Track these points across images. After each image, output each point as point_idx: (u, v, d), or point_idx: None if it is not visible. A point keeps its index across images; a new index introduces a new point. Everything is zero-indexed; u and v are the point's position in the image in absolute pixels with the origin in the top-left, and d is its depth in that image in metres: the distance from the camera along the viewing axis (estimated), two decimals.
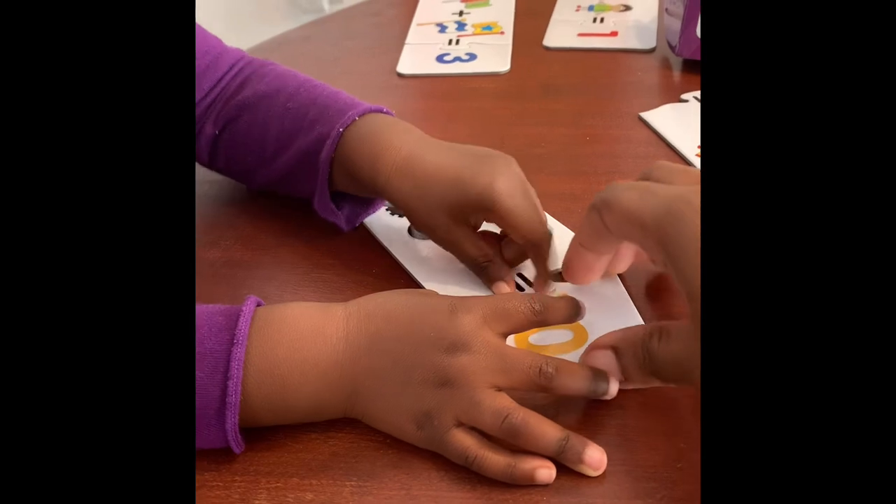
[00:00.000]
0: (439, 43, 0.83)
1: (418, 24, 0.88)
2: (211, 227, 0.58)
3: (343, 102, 0.54)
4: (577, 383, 0.38)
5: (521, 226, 0.47)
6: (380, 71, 0.80)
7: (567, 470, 0.37)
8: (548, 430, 0.37)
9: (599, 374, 0.39)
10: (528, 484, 0.37)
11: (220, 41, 0.61)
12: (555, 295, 0.47)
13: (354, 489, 0.38)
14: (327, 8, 2.12)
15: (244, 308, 0.39)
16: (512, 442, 0.37)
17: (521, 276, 0.50)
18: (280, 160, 0.55)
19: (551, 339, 0.45)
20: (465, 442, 0.38)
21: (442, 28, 0.87)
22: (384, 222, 0.56)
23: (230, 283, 0.53)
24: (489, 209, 0.47)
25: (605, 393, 0.39)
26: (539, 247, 0.47)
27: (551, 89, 0.74)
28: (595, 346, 0.40)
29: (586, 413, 0.40)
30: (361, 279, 0.52)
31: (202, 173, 0.64)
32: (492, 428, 0.37)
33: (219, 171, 0.61)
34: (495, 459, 0.37)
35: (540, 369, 0.38)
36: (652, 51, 0.79)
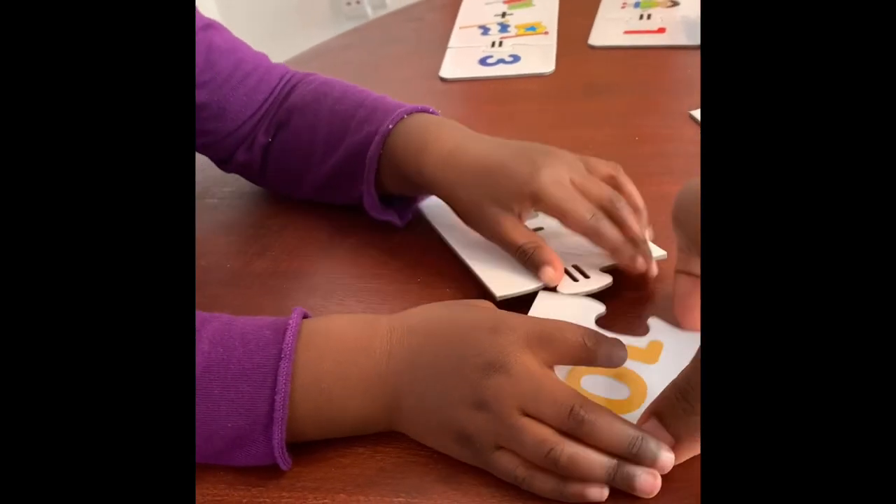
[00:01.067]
0: (482, 45, 0.82)
1: (461, 27, 0.87)
2: (257, 238, 0.58)
3: (390, 104, 0.54)
4: (611, 439, 0.35)
5: (568, 214, 0.46)
6: (422, 76, 0.80)
7: None
8: (595, 461, 0.35)
9: (646, 438, 0.35)
10: (581, 502, 0.36)
11: (266, 57, 0.61)
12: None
13: None
14: (371, 14, 2.13)
15: (290, 322, 0.39)
16: (558, 472, 0.36)
17: (576, 267, 0.49)
18: (329, 161, 0.55)
19: (604, 391, 0.40)
20: (511, 463, 0.36)
21: (485, 30, 0.85)
22: (437, 204, 0.55)
23: (277, 294, 0.53)
24: (536, 199, 0.46)
25: (653, 458, 0.35)
26: (595, 234, 0.46)
27: (597, 89, 0.73)
28: (640, 421, 0.36)
29: None
30: (406, 288, 0.51)
31: (249, 183, 0.64)
32: (534, 458, 0.36)
33: (269, 182, 0.61)
34: (544, 479, 0.36)
35: (571, 409, 0.35)
36: None
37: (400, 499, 0.37)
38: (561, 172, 0.47)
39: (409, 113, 0.53)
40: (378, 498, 0.38)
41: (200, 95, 0.56)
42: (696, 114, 0.65)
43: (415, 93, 0.77)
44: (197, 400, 0.37)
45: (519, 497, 0.37)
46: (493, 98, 0.75)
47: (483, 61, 0.79)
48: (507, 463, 0.36)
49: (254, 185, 0.63)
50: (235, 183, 0.64)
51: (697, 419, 0.34)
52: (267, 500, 0.38)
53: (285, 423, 0.37)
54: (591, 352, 0.37)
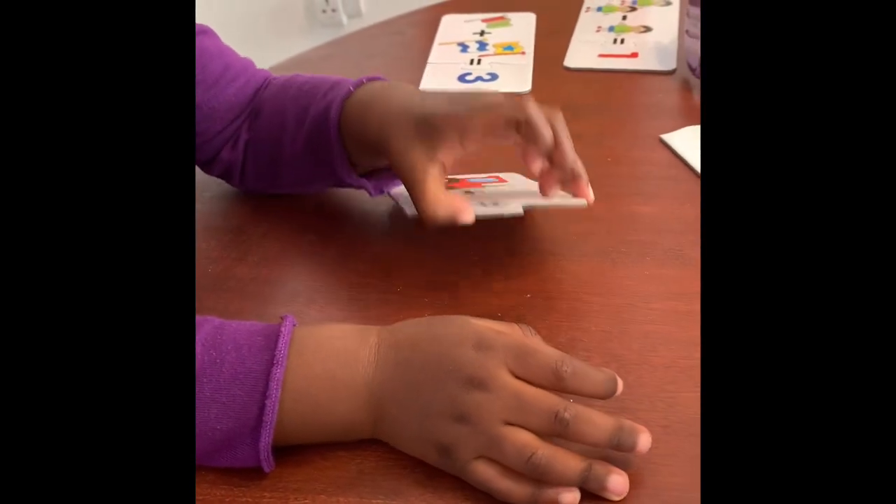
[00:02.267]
0: (461, 62, 0.84)
1: (440, 44, 0.89)
2: (239, 243, 0.59)
3: (353, 79, 0.57)
4: (596, 433, 0.37)
5: (501, 112, 0.48)
6: None
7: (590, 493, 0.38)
8: (571, 463, 0.37)
9: (624, 427, 0.38)
10: None
11: (252, 62, 0.63)
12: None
13: None
14: (346, 22, 2.14)
15: (283, 329, 0.40)
16: (536, 478, 0.37)
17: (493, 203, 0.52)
18: (300, 137, 0.57)
19: None
20: (487, 474, 0.38)
21: (463, 48, 0.87)
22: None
23: (257, 300, 0.54)
24: (464, 134, 0.48)
25: (633, 446, 0.37)
26: (524, 122, 0.48)
27: (572, 110, 0.74)
28: None
29: None
30: (387, 297, 0.52)
31: (230, 189, 0.65)
32: (516, 465, 0.37)
33: (250, 178, 0.62)
34: (518, 489, 0.37)
35: (556, 414, 0.37)
36: (672, 72, 0.79)
37: (378, 500, 0.39)
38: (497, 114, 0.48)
39: (371, 80, 0.55)
40: (357, 499, 0.39)
41: None
42: (667, 138, 0.67)
43: None
44: None
45: (494, 500, 0.38)
46: None
47: (462, 78, 0.81)
48: (483, 472, 0.38)
49: (235, 190, 0.64)
50: (217, 188, 0.65)
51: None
52: (249, 499, 0.39)
53: (273, 427, 0.38)
54: (564, 379, 0.39)
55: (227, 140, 0.61)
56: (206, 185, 0.66)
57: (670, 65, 0.80)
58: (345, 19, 2.13)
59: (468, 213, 0.48)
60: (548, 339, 0.47)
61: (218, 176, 0.63)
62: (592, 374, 0.39)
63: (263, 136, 0.60)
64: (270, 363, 0.39)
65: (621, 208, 0.59)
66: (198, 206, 0.64)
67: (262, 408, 0.38)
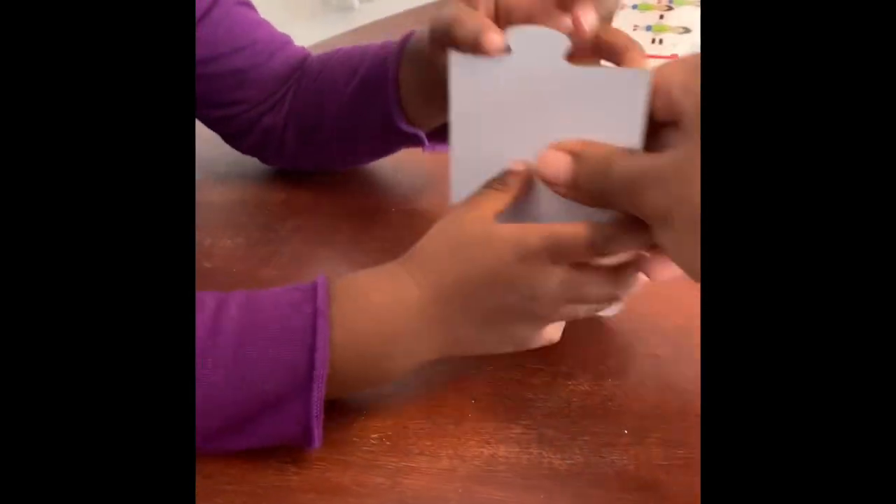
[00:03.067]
0: None
1: None
2: (266, 242, 0.56)
3: None
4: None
5: None
6: None
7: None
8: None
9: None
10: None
11: (290, 37, 0.62)
12: None
13: None
14: (357, 5, 2.11)
15: (319, 281, 0.39)
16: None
17: None
18: (347, 91, 0.55)
19: None
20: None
21: None
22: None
23: None
24: None
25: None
26: None
27: None
28: (557, 147, 0.38)
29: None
30: None
31: (258, 181, 0.62)
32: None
33: (289, 143, 0.59)
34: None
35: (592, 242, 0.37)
36: None
37: None
38: None
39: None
40: None
41: (238, 61, 0.56)
42: None
43: None
44: (233, 364, 0.37)
45: None
46: None
47: None
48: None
49: (262, 184, 0.61)
50: (241, 180, 0.62)
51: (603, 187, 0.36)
52: None
53: (324, 381, 0.37)
54: (597, 247, 0.37)
55: (270, 108, 0.59)
56: (230, 179, 0.63)
57: None
58: (356, 3, 2.10)
59: (495, 36, 0.38)
60: (595, 365, 0.44)
61: (252, 149, 0.61)
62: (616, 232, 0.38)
63: (308, 98, 0.58)
64: (314, 315, 0.37)
65: None
66: (221, 200, 0.61)
67: (311, 362, 0.36)
